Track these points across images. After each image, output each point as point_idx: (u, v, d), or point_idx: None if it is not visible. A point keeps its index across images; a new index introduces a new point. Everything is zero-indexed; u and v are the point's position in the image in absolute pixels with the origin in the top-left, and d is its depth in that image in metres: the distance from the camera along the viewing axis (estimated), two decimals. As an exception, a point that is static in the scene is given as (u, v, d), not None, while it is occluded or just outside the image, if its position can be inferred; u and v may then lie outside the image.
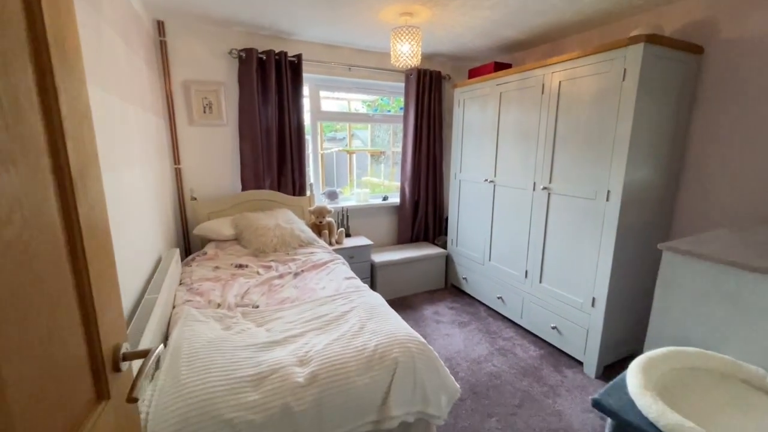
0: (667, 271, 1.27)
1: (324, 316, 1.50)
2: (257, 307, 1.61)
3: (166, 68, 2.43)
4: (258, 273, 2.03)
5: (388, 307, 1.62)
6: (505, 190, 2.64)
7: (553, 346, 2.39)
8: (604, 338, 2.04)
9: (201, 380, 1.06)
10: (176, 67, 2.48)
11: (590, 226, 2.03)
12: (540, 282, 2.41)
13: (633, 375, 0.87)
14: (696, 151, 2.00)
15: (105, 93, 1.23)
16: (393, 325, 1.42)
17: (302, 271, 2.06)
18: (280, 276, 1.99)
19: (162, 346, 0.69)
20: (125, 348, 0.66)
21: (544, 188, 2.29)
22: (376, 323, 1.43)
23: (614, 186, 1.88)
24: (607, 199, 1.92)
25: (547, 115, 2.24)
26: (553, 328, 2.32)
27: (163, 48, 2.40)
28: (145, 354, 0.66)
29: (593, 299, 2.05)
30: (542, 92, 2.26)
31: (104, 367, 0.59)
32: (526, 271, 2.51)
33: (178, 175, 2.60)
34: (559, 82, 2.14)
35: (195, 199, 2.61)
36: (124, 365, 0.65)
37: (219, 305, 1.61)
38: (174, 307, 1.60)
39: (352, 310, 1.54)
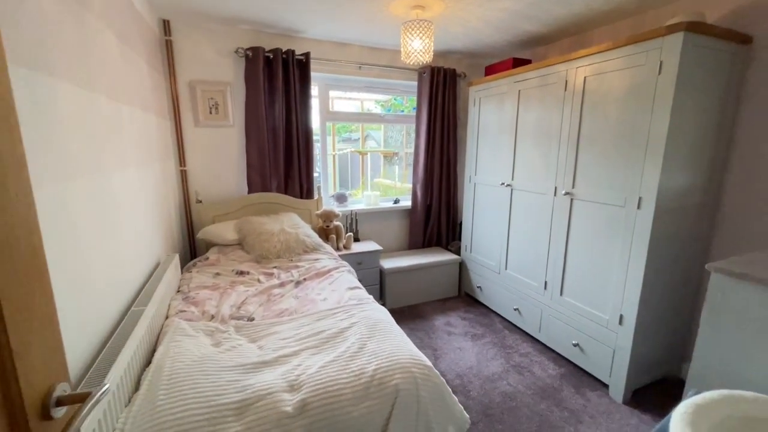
0: (717, 296, 1.09)
1: (321, 332, 1.38)
2: (252, 319, 1.51)
3: (171, 68, 2.38)
4: (258, 281, 1.94)
5: (392, 322, 1.49)
6: (524, 194, 2.47)
7: (575, 365, 2.19)
8: (634, 360, 1.85)
9: (179, 407, 0.96)
10: (182, 67, 2.43)
11: (618, 236, 1.84)
12: (561, 294, 2.23)
13: (678, 429, 0.71)
14: (743, 154, 1.78)
15: (89, 92, 1.16)
16: (395, 345, 1.29)
17: (304, 279, 1.96)
18: (281, 284, 1.89)
19: (107, 386, 0.59)
20: (62, 390, 0.56)
21: (566, 193, 2.11)
22: (377, 342, 1.30)
23: (647, 192, 1.69)
24: (639, 207, 1.73)
25: (570, 113, 2.06)
26: (575, 345, 2.13)
27: (168, 47, 2.35)
28: (84, 398, 0.55)
29: (621, 316, 1.86)
30: (565, 89, 2.08)
31: (26, 417, 0.49)
32: (546, 283, 2.33)
33: (183, 177, 2.55)
34: (585, 77, 1.96)
35: (200, 201, 2.56)
36: (58, 411, 0.54)
37: (213, 317, 1.52)
38: (167, 318, 1.52)
39: (353, 327, 1.42)
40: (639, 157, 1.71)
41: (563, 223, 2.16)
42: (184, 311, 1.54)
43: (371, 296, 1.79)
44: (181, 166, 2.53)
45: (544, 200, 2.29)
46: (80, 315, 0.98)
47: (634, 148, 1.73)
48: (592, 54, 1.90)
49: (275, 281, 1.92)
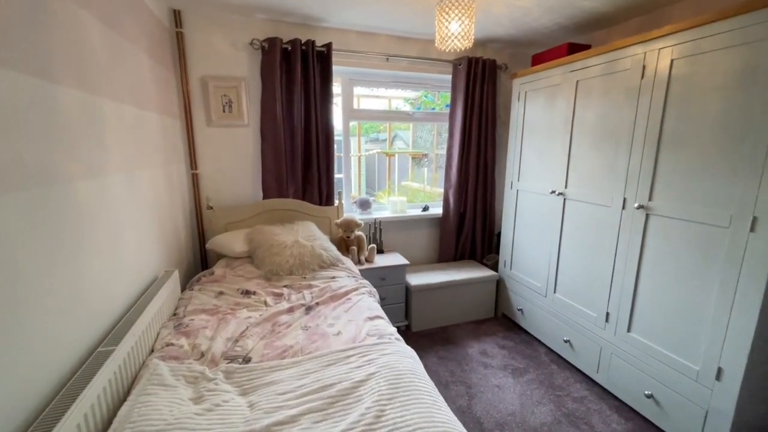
0: None
1: (330, 386, 1.08)
2: (249, 360, 1.24)
3: (183, 63, 2.18)
4: (265, 304, 1.68)
5: (420, 374, 1.17)
6: (580, 206, 2.06)
7: (647, 421, 1.77)
8: (737, 426, 1.41)
9: None
10: (194, 62, 2.23)
11: (717, 265, 1.42)
12: (628, 331, 1.81)
13: None
14: None
15: (44, 82, 0.92)
16: (425, 413, 0.97)
17: (317, 303, 1.68)
18: (290, 310, 1.62)
19: None
20: None
21: (640, 207, 1.69)
22: (399, 408, 0.99)
23: (766, 211, 1.26)
24: (752, 229, 1.30)
25: (648, 107, 1.64)
26: (648, 396, 1.71)
27: (180, 40, 2.16)
28: None
29: (719, 370, 1.43)
30: (642, 77, 1.66)
31: None
32: (608, 314, 1.91)
33: (195, 180, 2.35)
34: (671, 61, 1.54)
35: (211, 208, 2.35)
36: None
37: (203, 354, 1.26)
38: (152, 352, 1.29)
39: (370, 380, 1.11)
40: (755, 165, 1.28)
41: (635, 243, 1.74)
42: (172, 345, 1.29)
43: (394, 330, 1.48)
44: (192, 169, 2.33)
45: (607, 214, 1.88)
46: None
47: (747, 153, 1.30)
48: (684, 30, 1.48)
49: (284, 305, 1.65)
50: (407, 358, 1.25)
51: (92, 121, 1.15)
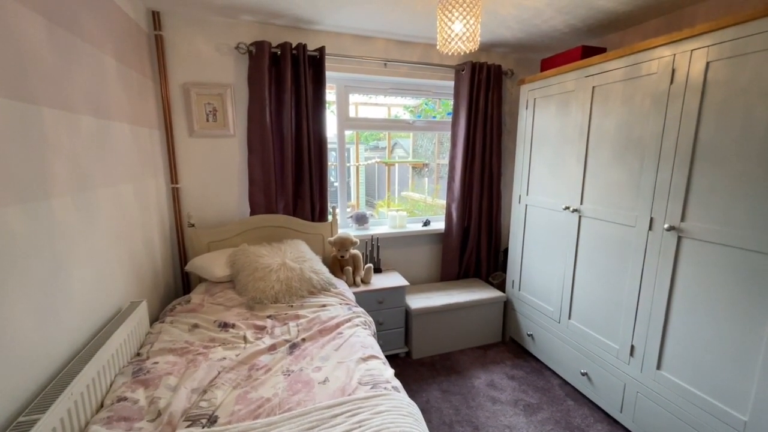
0: None
1: (309, 463, 0.87)
2: (215, 421, 1.03)
3: (162, 68, 2.00)
4: (244, 339, 1.47)
5: (422, 440, 0.96)
6: (598, 224, 1.85)
7: (682, 473, 1.54)
8: (796, 493, 1.19)
9: None
10: (174, 67, 2.05)
11: (770, 301, 1.21)
12: (658, 368, 1.59)
13: None
14: None
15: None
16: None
17: (303, 339, 1.47)
18: (271, 348, 1.41)
19: None
20: None
21: (671, 228, 1.49)
22: (396, 498, 0.77)
23: (834, 239, 1.06)
24: (815, 261, 1.10)
25: (679, 115, 1.45)
26: (684, 446, 1.49)
27: (159, 44, 1.98)
28: None
29: (773, 424, 1.21)
30: (671, 81, 1.47)
31: None
32: (632, 347, 1.70)
33: (175, 195, 2.16)
34: (707, 63, 1.35)
35: (193, 225, 2.15)
36: None
37: (159, 413, 1.05)
38: (101, 408, 1.08)
39: (359, 452, 0.90)
40: (818, 183, 1.08)
41: (664, 269, 1.53)
42: (125, 399, 1.08)
43: (391, 373, 1.27)
44: (172, 183, 2.14)
45: (631, 235, 1.68)
46: None
47: (807, 169, 1.11)
48: (721, 28, 1.29)
49: (265, 342, 1.45)
50: (406, 416, 1.04)
51: (26, 135, 0.96)
